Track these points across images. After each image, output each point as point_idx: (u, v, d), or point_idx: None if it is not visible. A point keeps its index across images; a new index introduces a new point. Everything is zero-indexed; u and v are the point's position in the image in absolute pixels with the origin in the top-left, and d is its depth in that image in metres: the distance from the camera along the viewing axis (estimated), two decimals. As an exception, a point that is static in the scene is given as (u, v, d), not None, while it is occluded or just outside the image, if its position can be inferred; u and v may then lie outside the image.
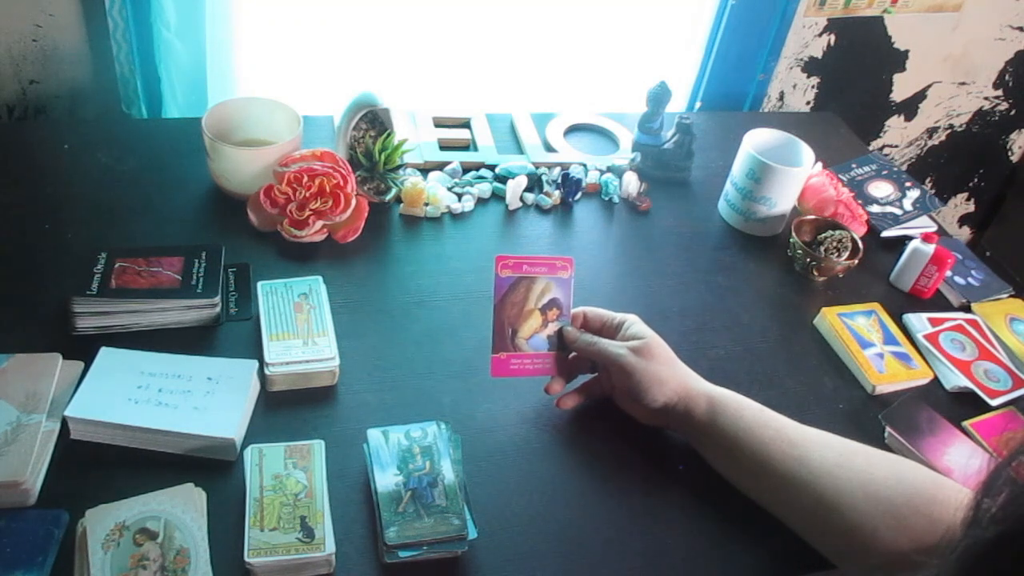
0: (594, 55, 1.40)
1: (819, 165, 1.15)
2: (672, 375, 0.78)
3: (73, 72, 1.15)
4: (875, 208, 1.18)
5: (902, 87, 1.58)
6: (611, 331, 0.81)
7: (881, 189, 1.21)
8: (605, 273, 1.03)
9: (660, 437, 0.82)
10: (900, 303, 1.05)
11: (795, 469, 0.72)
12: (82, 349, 0.78)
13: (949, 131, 1.70)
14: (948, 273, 1.07)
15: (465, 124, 1.22)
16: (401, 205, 1.05)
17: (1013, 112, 1.70)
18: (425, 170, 1.12)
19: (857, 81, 1.53)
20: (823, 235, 1.07)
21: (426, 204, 1.05)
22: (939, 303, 1.07)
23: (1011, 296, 1.10)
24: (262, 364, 0.80)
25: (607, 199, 1.14)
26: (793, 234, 1.06)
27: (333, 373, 0.82)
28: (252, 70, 1.21)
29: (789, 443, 0.73)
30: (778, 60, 1.43)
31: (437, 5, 1.28)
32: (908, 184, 1.22)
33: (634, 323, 0.81)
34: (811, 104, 1.54)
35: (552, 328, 0.82)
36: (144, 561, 0.63)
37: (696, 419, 0.77)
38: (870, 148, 1.46)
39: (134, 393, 0.75)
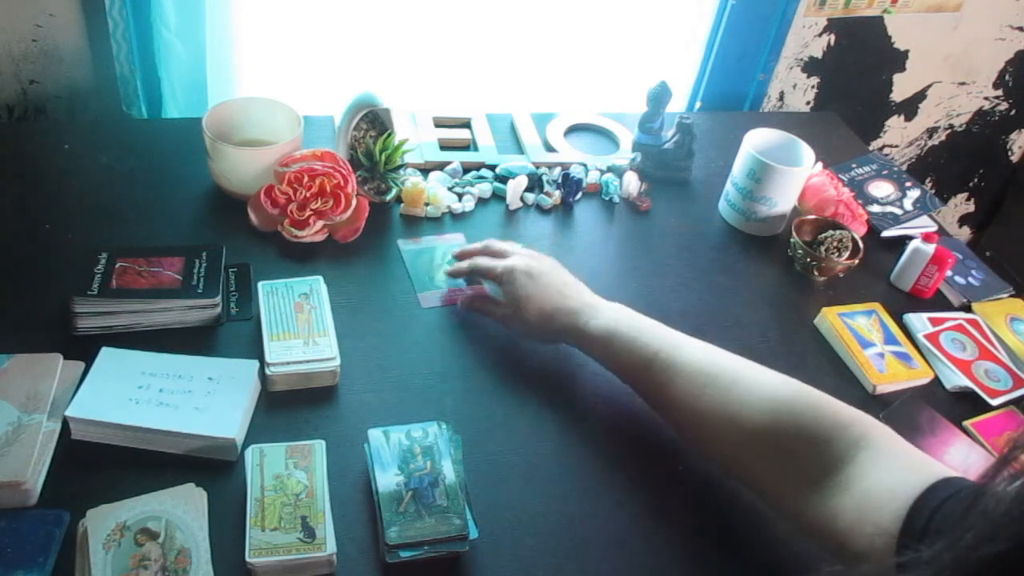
0: (594, 55, 1.40)
1: (819, 165, 1.15)
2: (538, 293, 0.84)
3: (73, 72, 1.15)
4: (875, 208, 1.18)
5: (902, 87, 1.58)
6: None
7: (881, 189, 1.21)
8: (605, 273, 1.02)
9: (659, 437, 0.82)
10: (900, 303, 1.05)
11: (673, 379, 0.75)
12: (83, 349, 0.78)
13: (949, 131, 1.70)
14: (948, 273, 1.07)
15: (465, 124, 1.22)
16: (402, 205, 1.05)
17: (1013, 112, 1.70)
18: (425, 170, 1.12)
19: (857, 81, 1.53)
20: (823, 235, 1.07)
21: (426, 204, 1.05)
22: (939, 303, 1.07)
23: (1011, 296, 1.10)
24: (263, 364, 0.80)
25: (607, 199, 1.14)
26: (793, 234, 1.06)
27: (334, 373, 0.82)
28: (252, 70, 1.21)
29: (671, 347, 0.76)
30: (778, 60, 1.43)
31: (437, 5, 1.28)
32: (908, 184, 1.22)
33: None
34: (811, 104, 1.54)
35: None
36: (145, 561, 0.63)
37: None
38: (870, 148, 1.46)
39: (135, 393, 0.75)
